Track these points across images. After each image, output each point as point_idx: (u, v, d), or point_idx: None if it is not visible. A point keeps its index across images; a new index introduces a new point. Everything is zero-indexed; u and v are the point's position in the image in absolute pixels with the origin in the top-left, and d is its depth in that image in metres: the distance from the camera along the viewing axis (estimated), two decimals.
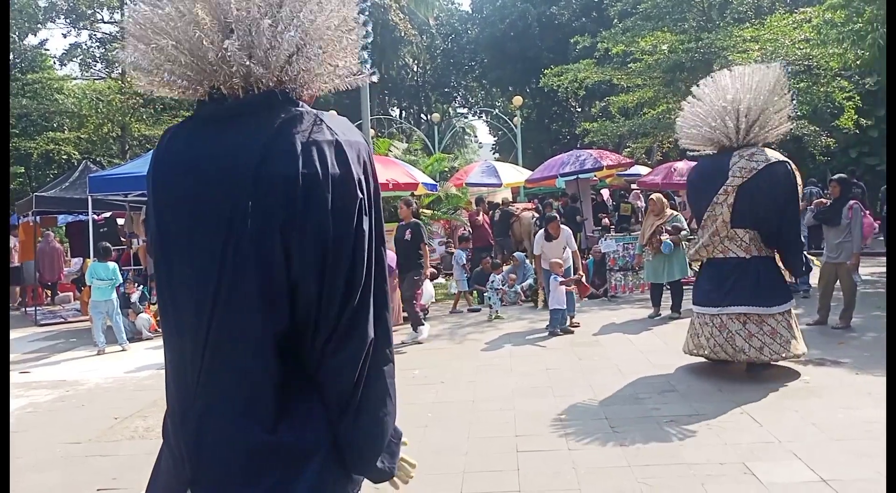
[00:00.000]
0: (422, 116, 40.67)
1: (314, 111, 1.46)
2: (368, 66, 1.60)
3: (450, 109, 42.63)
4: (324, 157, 1.39)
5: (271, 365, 1.40)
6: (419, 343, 8.20)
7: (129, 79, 19.60)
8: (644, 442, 4.46)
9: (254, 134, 1.41)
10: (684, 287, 8.87)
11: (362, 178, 1.42)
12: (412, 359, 7.43)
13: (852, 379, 5.62)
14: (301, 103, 1.48)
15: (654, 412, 5.08)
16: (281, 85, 1.46)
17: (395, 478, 1.55)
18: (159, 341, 9.28)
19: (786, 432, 4.49)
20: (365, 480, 1.53)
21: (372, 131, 16.69)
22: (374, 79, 1.60)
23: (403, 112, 42.57)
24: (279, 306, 1.39)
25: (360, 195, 1.40)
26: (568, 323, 8.45)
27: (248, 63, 1.42)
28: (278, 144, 1.39)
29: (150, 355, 8.58)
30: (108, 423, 5.69)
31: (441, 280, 12.77)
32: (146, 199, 1.56)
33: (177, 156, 1.47)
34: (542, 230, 8.89)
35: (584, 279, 9.46)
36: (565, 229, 8.81)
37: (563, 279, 8.32)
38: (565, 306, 8.36)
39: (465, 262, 11.07)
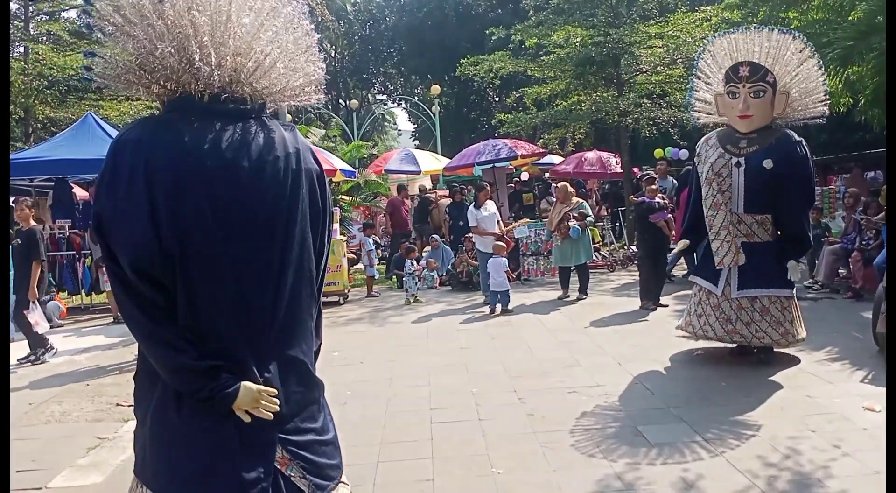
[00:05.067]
0: (340, 102, 40.29)
1: None
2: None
3: (369, 95, 42.43)
4: (317, 157, 1.91)
5: (312, 318, 1.94)
6: None
7: (33, 58, 18.47)
8: (548, 411, 4.83)
9: (276, 135, 1.82)
10: (590, 270, 9.40)
11: None
12: (333, 341, 7.59)
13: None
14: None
15: (559, 384, 5.48)
16: (256, 94, 1.83)
17: None
18: (71, 327, 9.09)
19: (674, 398, 4.96)
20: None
21: (289, 117, 16.55)
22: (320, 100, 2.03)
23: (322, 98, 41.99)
24: (314, 280, 1.91)
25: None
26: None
27: (234, 76, 1.79)
28: (300, 145, 1.86)
29: (61, 342, 8.41)
30: (23, 408, 5.64)
31: (359, 266, 12.93)
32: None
33: (198, 146, 1.71)
34: (472, 204, 9.98)
35: (507, 236, 10.13)
36: (491, 201, 10.01)
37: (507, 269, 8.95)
38: (509, 287, 8.79)
39: (371, 248, 11.30)
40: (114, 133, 10.27)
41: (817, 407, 4.64)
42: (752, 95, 5.54)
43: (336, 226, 10.60)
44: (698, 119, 6.21)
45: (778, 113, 5.63)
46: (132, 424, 1.93)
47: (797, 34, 5.64)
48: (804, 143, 5.61)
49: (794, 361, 5.77)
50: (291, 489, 1.79)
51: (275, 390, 1.75)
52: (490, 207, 9.81)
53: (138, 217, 1.64)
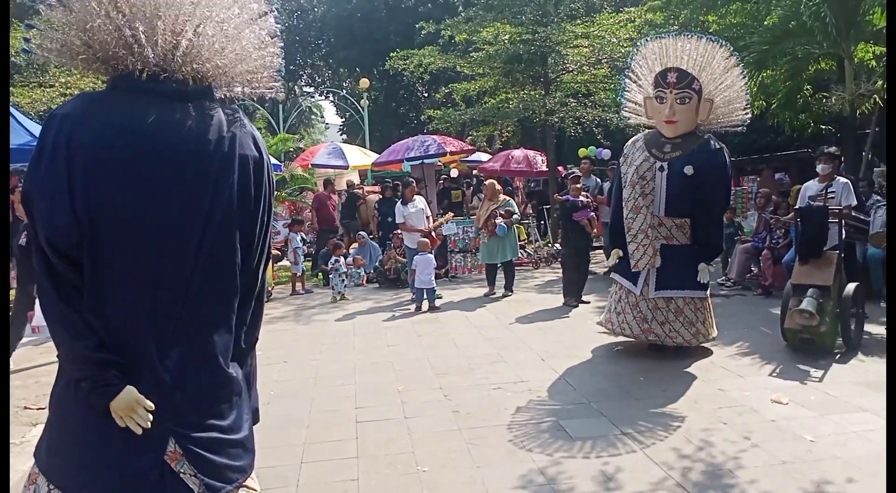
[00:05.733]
0: None
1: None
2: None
3: (296, 87, 41.68)
4: (260, 144, 1.85)
5: (232, 314, 1.84)
6: None
7: None
8: (473, 408, 4.88)
9: (213, 119, 1.75)
10: (516, 267, 9.53)
11: None
12: None
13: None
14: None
15: (484, 380, 5.53)
16: (198, 75, 1.77)
17: None
18: None
19: (596, 393, 5.08)
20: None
21: None
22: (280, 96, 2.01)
23: None
24: (236, 271, 1.82)
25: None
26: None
27: (178, 58, 1.72)
28: (238, 130, 1.78)
29: None
30: None
31: (285, 263, 12.71)
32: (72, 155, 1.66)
33: (126, 124, 1.67)
34: (401, 200, 9.91)
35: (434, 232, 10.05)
36: (420, 197, 9.93)
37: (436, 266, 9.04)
38: (434, 285, 8.83)
39: (298, 245, 11.10)
40: (24, 121, 9.73)
41: (729, 400, 4.85)
42: (678, 101, 5.67)
43: None
44: (629, 119, 6.34)
45: (702, 120, 5.82)
46: (41, 428, 1.86)
47: (724, 43, 5.82)
48: (725, 150, 5.83)
49: (707, 353, 6.02)
50: (179, 487, 1.72)
51: (152, 406, 1.69)
52: (419, 202, 9.80)
53: (56, 192, 1.61)
